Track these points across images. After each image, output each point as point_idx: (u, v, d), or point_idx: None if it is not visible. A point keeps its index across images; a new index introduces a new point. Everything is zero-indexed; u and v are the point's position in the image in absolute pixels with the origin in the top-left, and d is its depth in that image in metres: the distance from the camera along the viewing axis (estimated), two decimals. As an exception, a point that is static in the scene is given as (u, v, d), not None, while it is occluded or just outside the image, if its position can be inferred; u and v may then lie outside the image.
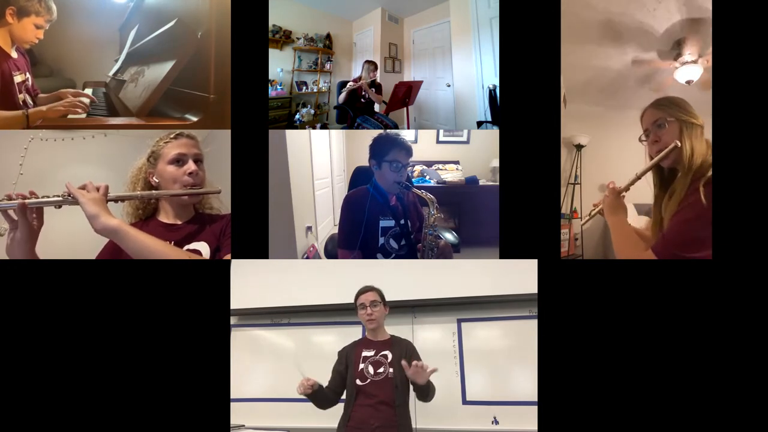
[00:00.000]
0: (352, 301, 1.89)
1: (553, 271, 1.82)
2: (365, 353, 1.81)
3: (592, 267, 1.84)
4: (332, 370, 1.84)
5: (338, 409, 1.78)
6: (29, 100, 2.11)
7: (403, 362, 1.69)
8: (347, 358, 1.83)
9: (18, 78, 2.06)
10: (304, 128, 2.88)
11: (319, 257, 2.88)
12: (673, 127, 1.54)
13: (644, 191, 1.69)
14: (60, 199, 1.50)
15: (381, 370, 1.76)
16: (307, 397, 1.71)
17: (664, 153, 1.53)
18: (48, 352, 1.77)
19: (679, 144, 1.52)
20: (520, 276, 1.89)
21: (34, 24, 2.05)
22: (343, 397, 1.79)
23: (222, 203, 1.81)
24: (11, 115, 1.95)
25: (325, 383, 1.79)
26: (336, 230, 2.78)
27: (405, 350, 1.81)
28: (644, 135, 1.62)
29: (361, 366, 1.78)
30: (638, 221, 1.80)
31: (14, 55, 2.07)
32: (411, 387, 1.73)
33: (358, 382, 1.76)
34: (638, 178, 1.61)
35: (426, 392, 1.71)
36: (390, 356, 1.78)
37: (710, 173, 1.50)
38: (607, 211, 1.63)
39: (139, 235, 1.47)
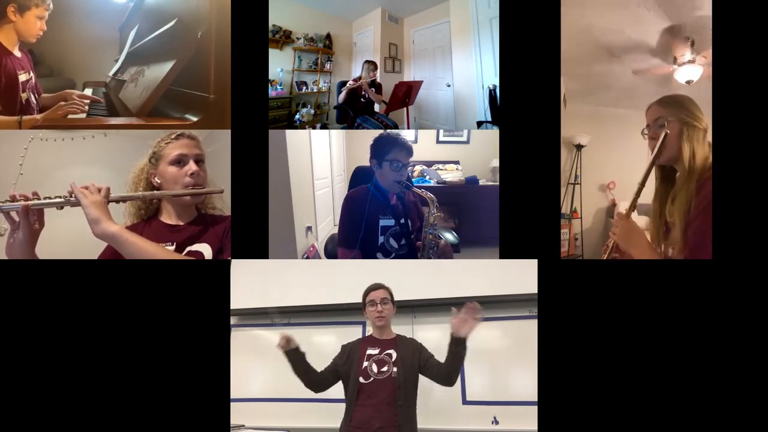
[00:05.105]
0: (353, 300, 1.89)
1: (553, 271, 1.82)
2: (369, 351, 1.78)
3: (592, 267, 1.84)
4: (332, 359, 1.82)
5: (339, 408, 1.77)
6: (33, 100, 2.11)
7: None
8: (350, 354, 1.80)
9: (22, 77, 2.06)
10: (304, 128, 2.88)
11: (319, 257, 2.89)
12: (673, 127, 1.52)
13: (646, 192, 1.68)
14: (62, 200, 1.50)
15: (385, 368, 1.74)
16: (286, 356, 1.73)
17: (657, 146, 1.51)
18: (48, 352, 1.77)
19: (668, 131, 1.50)
20: (520, 276, 1.89)
21: (36, 16, 2.06)
22: (343, 396, 1.78)
23: (225, 203, 1.81)
24: (4, 120, 1.96)
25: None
26: (336, 230, 2.78)
27: (412, 349, 1.79)
28: (646, 129, 1.60)
29: (365, 364, 1.75)
30: (638, 221, 1.79)
31: (18, 54, 2.08)
32: (433, 376, 1.73)
33: (361, 380, 1.73)
34: (641, 187, 1.57)
35: (459, 357, 1.68)
36: (394, 355, 1.76)
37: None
38: (623, 242, 1.55)
39: (138, 242, 1.47)
